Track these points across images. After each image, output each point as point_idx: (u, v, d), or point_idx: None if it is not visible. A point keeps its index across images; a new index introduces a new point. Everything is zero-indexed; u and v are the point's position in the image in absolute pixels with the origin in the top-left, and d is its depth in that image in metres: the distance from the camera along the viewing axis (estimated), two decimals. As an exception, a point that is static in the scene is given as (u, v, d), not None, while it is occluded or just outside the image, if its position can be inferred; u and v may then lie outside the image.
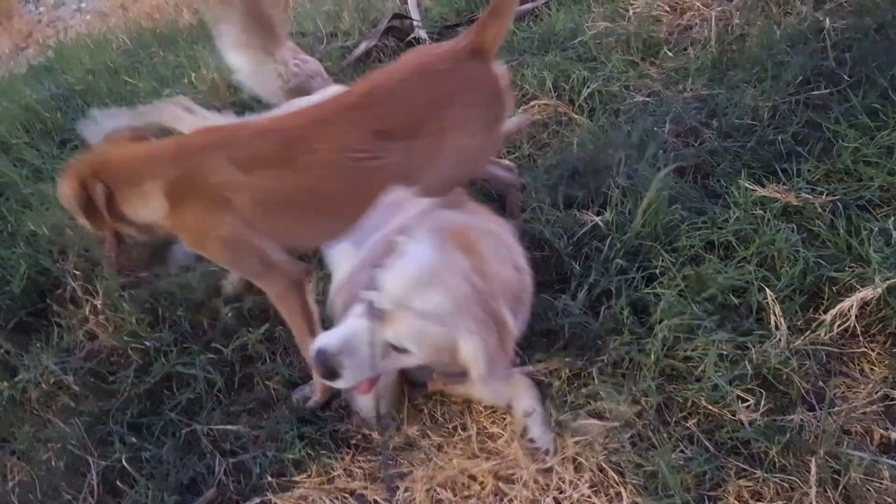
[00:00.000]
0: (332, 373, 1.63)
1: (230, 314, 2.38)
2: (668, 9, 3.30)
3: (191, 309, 2.42)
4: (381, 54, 3.54)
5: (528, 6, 3.64)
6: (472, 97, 2.01)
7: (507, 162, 2.55)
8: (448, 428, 1.97)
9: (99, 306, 2.41)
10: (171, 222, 1.97)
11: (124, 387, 2.22)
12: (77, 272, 2.52)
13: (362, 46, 3.55)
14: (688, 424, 1.77)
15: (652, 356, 1.92)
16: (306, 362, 2.13)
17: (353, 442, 2.00)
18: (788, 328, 1.92)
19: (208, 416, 2.12)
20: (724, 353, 1.88)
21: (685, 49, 3.06)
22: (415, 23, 3.67)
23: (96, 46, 4.33)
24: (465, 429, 1.96)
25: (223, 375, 2.21)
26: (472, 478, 1.83)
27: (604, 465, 1.76)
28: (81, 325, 2.40)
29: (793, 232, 2.12)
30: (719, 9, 3.16)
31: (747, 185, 2.25)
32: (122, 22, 4.00)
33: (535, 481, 1.78)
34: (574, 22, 3.36)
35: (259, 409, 2.16)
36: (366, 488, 1.88)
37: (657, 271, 2.13)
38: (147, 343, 2.29)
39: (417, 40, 3.54)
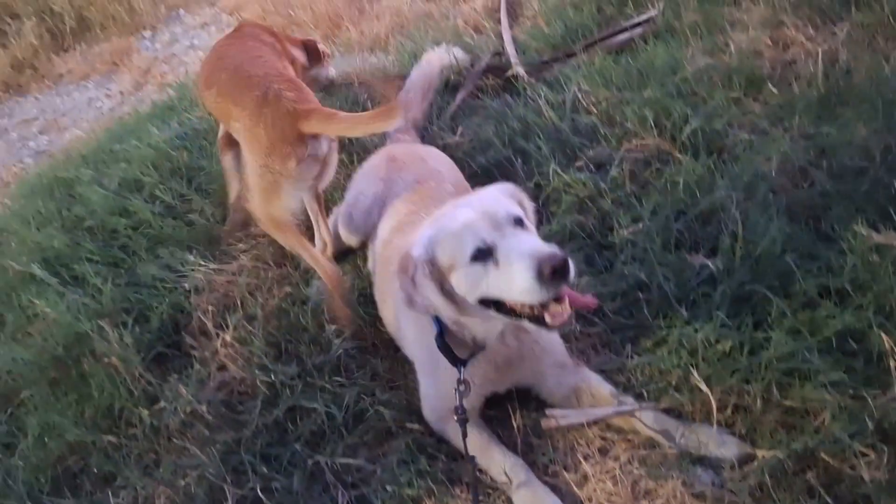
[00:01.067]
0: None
1: (345, 349, 2.53)
2: (770, 43, 3.27)
3: (310, 343, 2.59)
4: (481, 93, 3.64)
5: (623, 37, 3.68)
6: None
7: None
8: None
9: (228, 339, 2.59)
10: None
11: (253, 417, 2.38)
12: (209, 307, 2.72)
13: (460, 97, 3.64)
14: (807, 476, 1.78)
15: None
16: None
17: (467, 480, 2.08)
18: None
19: (331, 449, 2.26)
20: (843, 403, 1.87)
21: (790, 85, 3.02)
22: (512, 60, 3.76)
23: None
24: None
25: (342, 409, 2.35)
26: None
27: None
28: (213, 358, 2.58)
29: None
30: (825, 43, 3.12)
31: (862, 231, 2.22)
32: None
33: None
34: (672, 56, 3.37)
35: (375, 443, 2.28)
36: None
37: (769, 316, 2.14)
38: (273, 377, 2.44)
39: (516, 77, 3.63)
